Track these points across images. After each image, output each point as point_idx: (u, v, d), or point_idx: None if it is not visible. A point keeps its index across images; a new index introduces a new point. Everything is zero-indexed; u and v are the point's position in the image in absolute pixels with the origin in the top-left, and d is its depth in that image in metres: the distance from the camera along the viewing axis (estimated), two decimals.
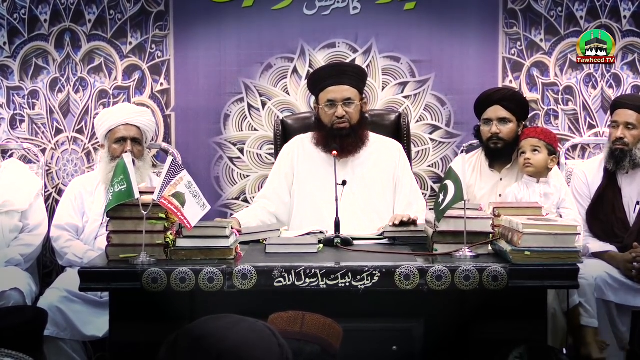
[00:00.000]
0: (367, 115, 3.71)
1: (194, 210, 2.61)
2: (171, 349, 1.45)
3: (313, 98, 3.72)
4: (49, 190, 4.18)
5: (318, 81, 3.61)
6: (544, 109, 4.17)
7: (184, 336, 1.47)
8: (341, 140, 3.50)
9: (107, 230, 2.68)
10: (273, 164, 3.79)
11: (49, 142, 4.23)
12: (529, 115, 3.99)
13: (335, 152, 3.33)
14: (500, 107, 3.61)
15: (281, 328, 1.97)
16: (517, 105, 3.65)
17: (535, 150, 3.48)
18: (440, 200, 2.69)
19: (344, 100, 3.51)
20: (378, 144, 3.64)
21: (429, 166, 4.21)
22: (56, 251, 3.75)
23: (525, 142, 3.52)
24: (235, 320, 1.52)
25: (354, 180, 3.49)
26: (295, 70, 4.19)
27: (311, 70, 4.08)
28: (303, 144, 3.66)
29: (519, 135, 3.60)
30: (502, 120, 3.61)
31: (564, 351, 3.42)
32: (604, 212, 3.63)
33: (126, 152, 3.63)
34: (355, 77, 3.59)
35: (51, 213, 3.95)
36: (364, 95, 3.65)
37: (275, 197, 3.60)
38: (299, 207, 3.56)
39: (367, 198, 3.53)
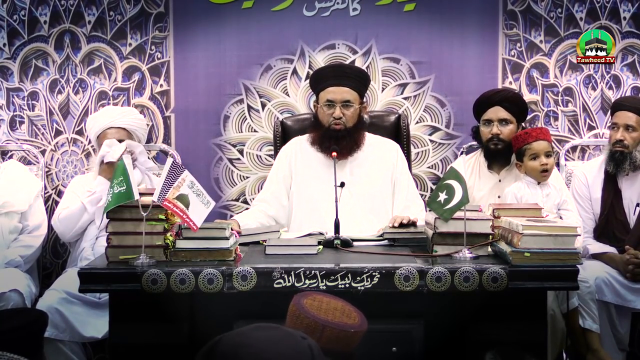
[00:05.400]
0: (365, 118, 3.69)
1: (199, 210, 2.61)
2: (211, 351, 1.43)
3: (313, 99, 3.72)
4: (48, 192, 4.18)
5: (319, 80, 3.60)
6: (543, 110, 4.18)
7: (226, 340, 1.44)
8: (336, 141, 3.48)
9: (106, 232, 2.68)
10: (273, 165, 3.79)
11: (49, 143, 4.23)
12: (529, 117, 4.00)
13: (335, 154, 3.33)
14: (501, 108, 3.60)
15: None
16: (518, 107, 3.65)
17: (549, 155, 3.42)
18: (441, 199, 2.67)
19: (343, 102, 3.50)
20: (376, 145, 3.63)
21: (429, 167, 4.21)
22: (63, 225, 3.69)
23: (537, 145, 3.39)
24: (281, 334, 1.47)
25: (352, 181, 3.48)
26: (295, 72, 4.19)
27: (311, 72, 4.08)
28: (301, 145, 3.65)
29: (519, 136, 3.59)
30: (503, 121, 3.60)
31: (564, 353, 3.43)
32: (603, 214, 3.65)
33: (126, 153, 3.64)
34: (357, 79, 3.57)
35: (51, 214, 3.95)
36: (364, 99, 3.63)
37: (274, 200, 3.59)
38: (298, 209, 3.55)
39: (366, 199, 3.52)
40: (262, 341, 1.44)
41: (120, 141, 3.76)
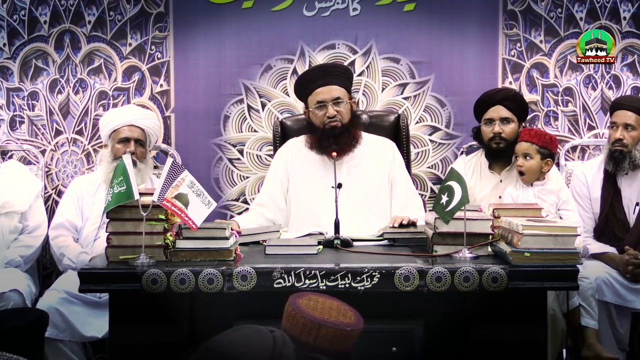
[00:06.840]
0: (358, 113, 3.70)
1: (199, 210, 2.61)
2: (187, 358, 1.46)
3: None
4: (48, 192, 4.18)
5: (305, 84, 3.58)
6: (543, 110, 4.18)
7: (200, 349, 1.48)
8: (335, 139, 3.48)
9: (106, 232, 2.68)
10: (269, 167, 3.77)
11: (49, 143, 4.23)
12: (529, 117, 4.00)
13: (334, 153, 3.32)
14: (502, 107, 3.61)
15: (295, 334, 1.98)
16: (519, 106, 3.66)
17: (526, 156, 3.46)
18: (443, 201, 2.67)
19: (334, 100, 3.50)
20: (371, 144, 3.62)
21: (429, 167, 4.20)
22: (53, 252, 3.73)
23: (518, 146, 3.49)
24: (250, 332, 1.51)
25: (349, 181, 3.47)
26: (295, 72, 4.19)
27: None
28: (296, 147, 3.65)
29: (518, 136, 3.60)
30: (505, 120, 3.61)
31: (564, 352, 3.43)
32: (603, 213, 3.65)
33: (127, 152, 3.63)
34: (342, 76, 3.58)
35: (51, 214, 3.95)
36: (352, 95, 3.63)
37: (271, 204, 3.58)
38: (296, 211, 3.54)
39: (363, 199, 3.51)
40: (231, 341, 1.48)
41: (136, 140, 3.74)
